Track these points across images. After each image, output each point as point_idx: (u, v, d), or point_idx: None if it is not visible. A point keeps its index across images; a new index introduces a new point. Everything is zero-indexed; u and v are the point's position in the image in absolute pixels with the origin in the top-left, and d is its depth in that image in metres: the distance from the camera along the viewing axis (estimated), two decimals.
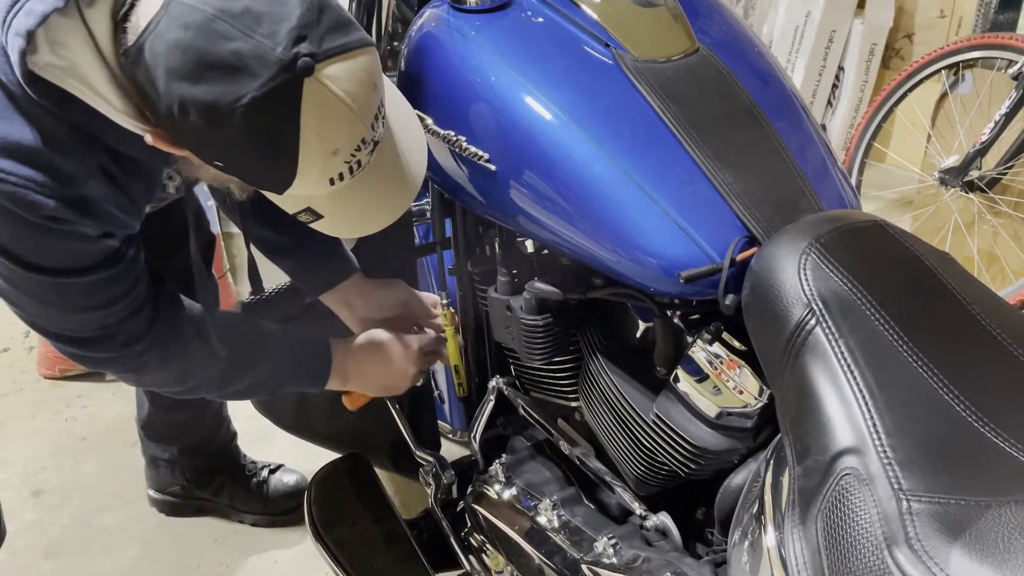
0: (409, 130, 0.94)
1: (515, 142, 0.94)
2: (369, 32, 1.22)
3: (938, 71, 2.52)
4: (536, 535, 1.13)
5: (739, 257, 0.83)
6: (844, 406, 0.67)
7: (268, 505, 1.76)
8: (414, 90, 1.05)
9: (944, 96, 2.61)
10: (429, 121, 1.02)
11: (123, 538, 1.75)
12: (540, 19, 1.00)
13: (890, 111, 2.64)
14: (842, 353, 0.69)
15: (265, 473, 1.78)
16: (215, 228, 2.33)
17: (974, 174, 2.39)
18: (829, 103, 3.36)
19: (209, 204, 2.27)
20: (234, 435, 1.80)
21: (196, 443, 1.73)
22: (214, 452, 1.75)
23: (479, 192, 1.01)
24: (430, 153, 1.06)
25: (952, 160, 2.44)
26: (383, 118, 0.85)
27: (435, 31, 1.04)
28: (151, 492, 1.80)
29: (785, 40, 3.22)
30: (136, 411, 1.70)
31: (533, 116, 0.93)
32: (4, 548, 1.39)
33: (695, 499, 1.04)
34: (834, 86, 3.33)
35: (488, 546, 1.22)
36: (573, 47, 0.97)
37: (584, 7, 0.99)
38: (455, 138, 0.99)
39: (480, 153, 0.96)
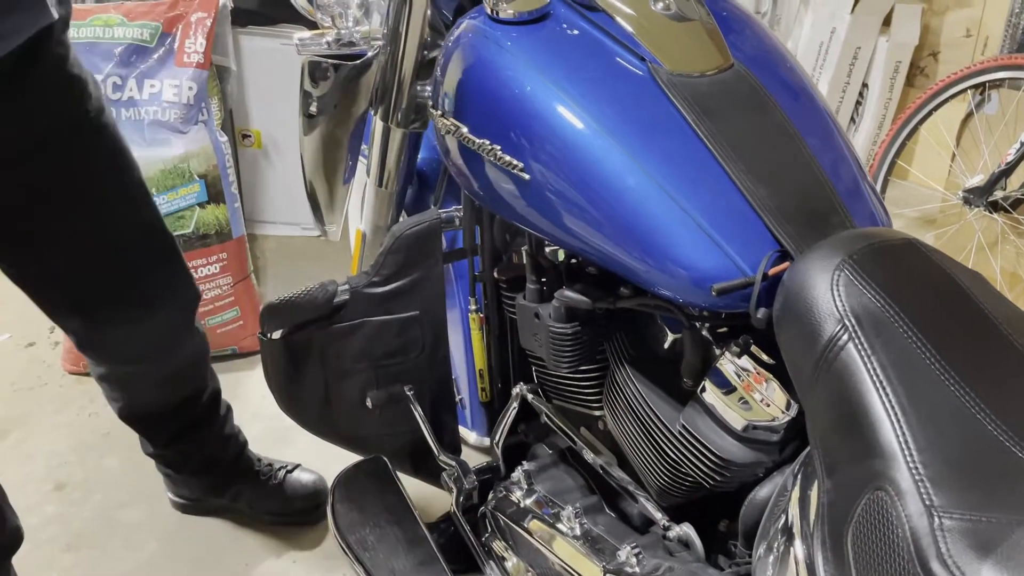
0: None
1: (550, 152, 0.95)
2: (406, 40, 1.23)
3: (964, 90, 2.51)
4: (557, 542, 1.14)
5: (772, 271, 0.84)
6: (875, 422, 0.67)
7: (286, 505, 1.77)
8: (449, 99, 1.07)
9: (970, 115, 2.61)
10: (464, 130, 1.03)
11: (144, 533, 1.77)
12: (576, 31, 1.02)
13: (915, 129, 2.63)
14: (874, 369, 0.70)
15: (282, 474, 1.79)
16: (239, 230, 2.34)
17: (998, 194, 2.38)
18: (852, 120, 3.36)
19: (239, 205, 2.30)
20: (244, 445, 1.80)
21: (203, 465, 1.74)
22: (224, 468, 1.76)
23: (512, 201, 1.02)
24: (463, 162, 1.07)
25: (976, 180, 2.43)
26: None
27: (472, 41, 1.05)
28: (171, 495, 1.82)
29: (809, 56, 3.21)
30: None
31: (568, 127, 0.94)
32: (26, 540, 1.41)
33: (718, 511, 1.04)
34: (858, 103, 3.32)
35: (508, 552, 1.22)
36: (608, 60, 0.98)
37: (620, 20, 1.00)
38: (490, 147, 1.00)
39: (515, 162, 0.98)
